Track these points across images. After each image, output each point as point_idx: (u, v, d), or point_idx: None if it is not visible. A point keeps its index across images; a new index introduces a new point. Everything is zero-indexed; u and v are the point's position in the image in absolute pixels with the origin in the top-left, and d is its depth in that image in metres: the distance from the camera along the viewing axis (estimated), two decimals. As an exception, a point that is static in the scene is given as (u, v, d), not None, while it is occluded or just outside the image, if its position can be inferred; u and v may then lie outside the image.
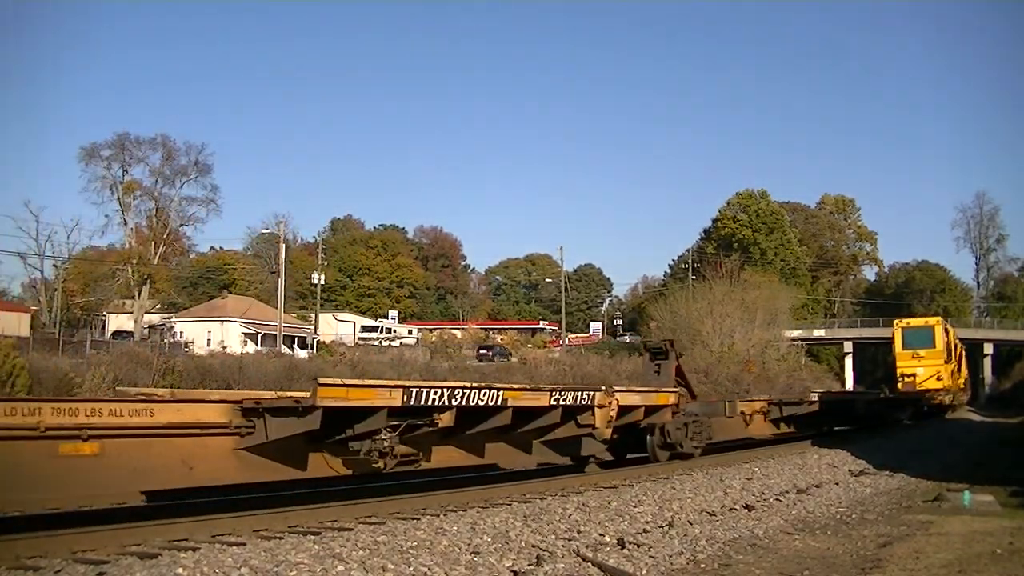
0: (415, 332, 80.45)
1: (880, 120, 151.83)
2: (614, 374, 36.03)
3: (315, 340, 60.43)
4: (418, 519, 8.07)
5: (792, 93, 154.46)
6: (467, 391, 8.91)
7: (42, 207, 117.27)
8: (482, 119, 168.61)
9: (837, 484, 12.62)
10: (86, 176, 63.02)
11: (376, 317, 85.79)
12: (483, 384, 9.46)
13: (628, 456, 13.64)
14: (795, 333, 63.19)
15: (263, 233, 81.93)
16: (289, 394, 8.06)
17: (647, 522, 8.57)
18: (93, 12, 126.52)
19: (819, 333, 77.40)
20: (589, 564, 6.54)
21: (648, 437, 13.32)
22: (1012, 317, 79.95)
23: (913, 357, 35.27)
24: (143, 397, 8.37)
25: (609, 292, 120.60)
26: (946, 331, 36.77)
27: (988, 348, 69.79)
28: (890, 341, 38.07)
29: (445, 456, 9.74)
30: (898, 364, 36.01)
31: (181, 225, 68.11)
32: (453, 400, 8.69)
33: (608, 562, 6.64)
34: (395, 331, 79.29)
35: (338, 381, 7.95)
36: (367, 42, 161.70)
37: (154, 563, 5.90)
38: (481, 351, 61.71)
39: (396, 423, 8.22)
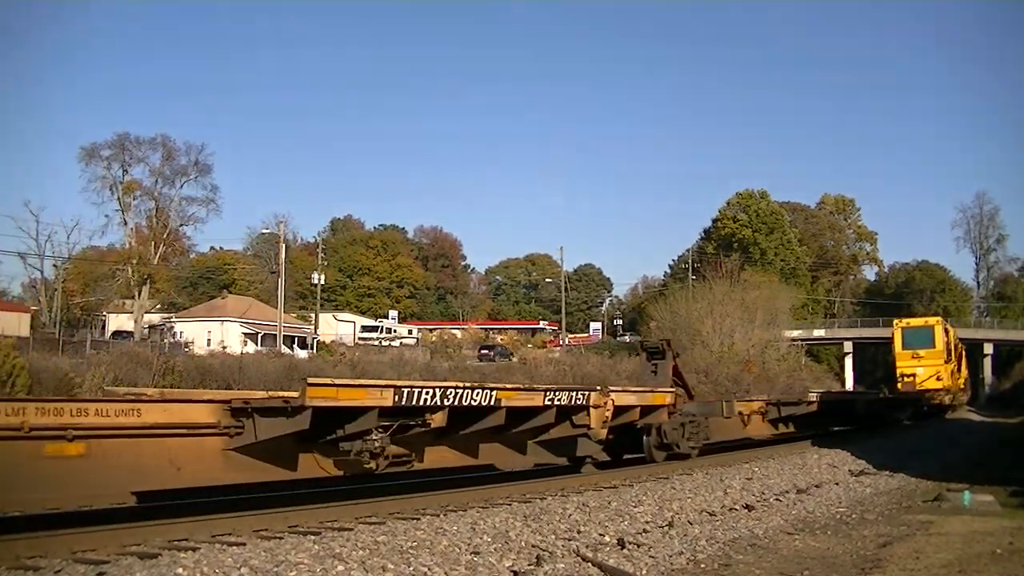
0: (415, 332, 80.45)
1: (880, 120, 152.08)
2: (614, 374, 36.02)
3: (315, 340, 60.43)
4: (418, 519, 8.06)
5: (792, 93, 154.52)
6: (459, 391, 8.83)
7: (42, 207, 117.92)
8: (482, 119, 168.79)
9: (837, 484, 12.62)
10: (86, 176, 63.26)
11: (376, 317, 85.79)
12: (476, 384, 9.37)
13: (625, 457, 13.60)
14: (795, 333, 63.20)
15: (263, 233, 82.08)
16: (279, 394, 7.96)
17: (647, 522, 8.57)
18: (94, 13, 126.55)
19: (819, 333, 77.43)
20: (589, 564, 6.54)
21: (644, 437, 13.26)
22: (1012, 317, 79.98)
23: (913, 357, 35.26)
24: (132, 397, 8.29)
25: (609, 292, 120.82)
26: (946, 331, 36.76)
27: (988, 348, 69.84)
28: (890, 341, 38.06)
29: (438, 457, 9.67)
30: (898, 364, 36.01)
31: (181, 225, 68.31)
32: (445, 400, 8.61)
33: (608, 562, 6.63)
34: (395, 331, 79.28)
35: (327, 381, 7.87)
36: (367, 42, 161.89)
37: (154, 563, 5.90)
38: (483, 351, 61.74)
39: (387, 423, 8.14)
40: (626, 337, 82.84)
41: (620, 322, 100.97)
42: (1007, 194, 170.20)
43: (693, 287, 62.31)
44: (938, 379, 34.35)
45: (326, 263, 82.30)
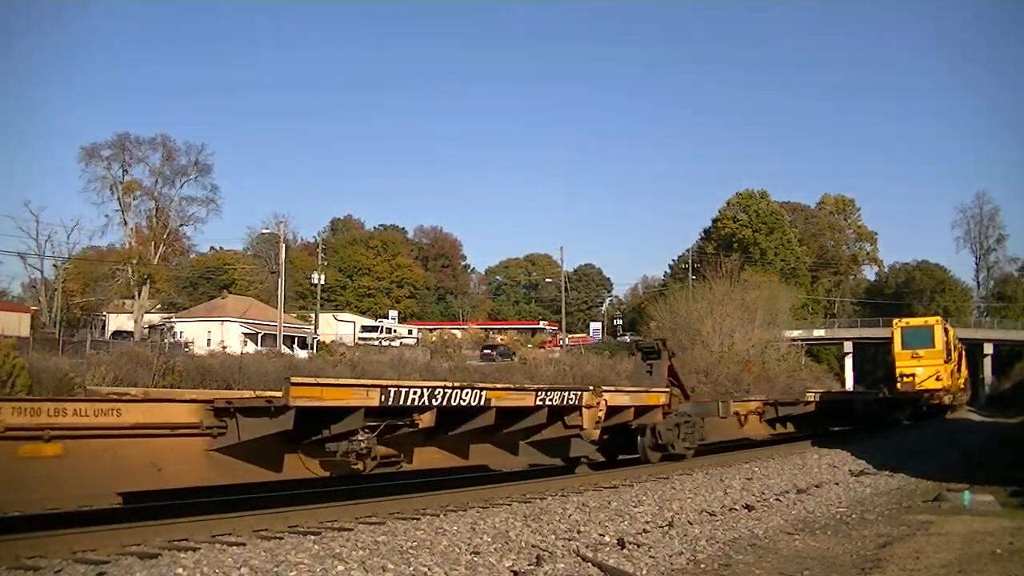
0: (415, 332, 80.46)
1: (880, 120, 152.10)
2: (614, 374, 36.00)
3: (315, 340, 60.44)
4: (418, 519, 8.06)
5: (792, 93, 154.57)
6: (448, 391, 8.73)
7: (42, 207, 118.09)
8: (482, 119, 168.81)
9: (837, 484, 12.62)
10: (86, 176, 63.31)
11: (376, 317, 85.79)
12: (465, 384, 9.26)
13: (620, 457, 13.53)
14: (795, 333, 63.20)
15: (263, 233, 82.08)
16: (265, 394, 7.85)
17: (647, 522, 8.57)
18: (94, 13, 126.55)
19: (819, 333, 77.42)
20: (589, 564, 6.54)
21: (639, 438, 13.18)
22: (1012, 317, 79.99)
23: (912, 357, 35.21)
24: (114, 396, 8.16)
25: (609, 292, 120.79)
26: (945, 331, 36.73)
27: (988, 348, 69.86)
28: (889, 341, 38.04)
29: (428, 457, 9.57)
30: (897, 364, 35.95)
31: (181, 225, 68.36)
32: (433, 400, 8.50)
33: (608, 562, 6.63)
34: (395, 331, 79.29)
35: (311, 380, 7.74)
36: (367, 42, 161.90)
37: (154, 563, 5.90)
38: (485, 351, 61.90)
39: (374, 424, 8.04)
40: (626, 337, 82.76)
41: (620, 322, 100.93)
42: (1007, 194, 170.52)
43: (693, 287, 62.31)
44: (938, 379, 34.32)
45: (326, 263, 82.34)
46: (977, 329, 74.05)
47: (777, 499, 10.83)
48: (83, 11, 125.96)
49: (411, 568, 6.11)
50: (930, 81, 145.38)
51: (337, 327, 72.99)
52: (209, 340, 54.51)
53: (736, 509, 9.85)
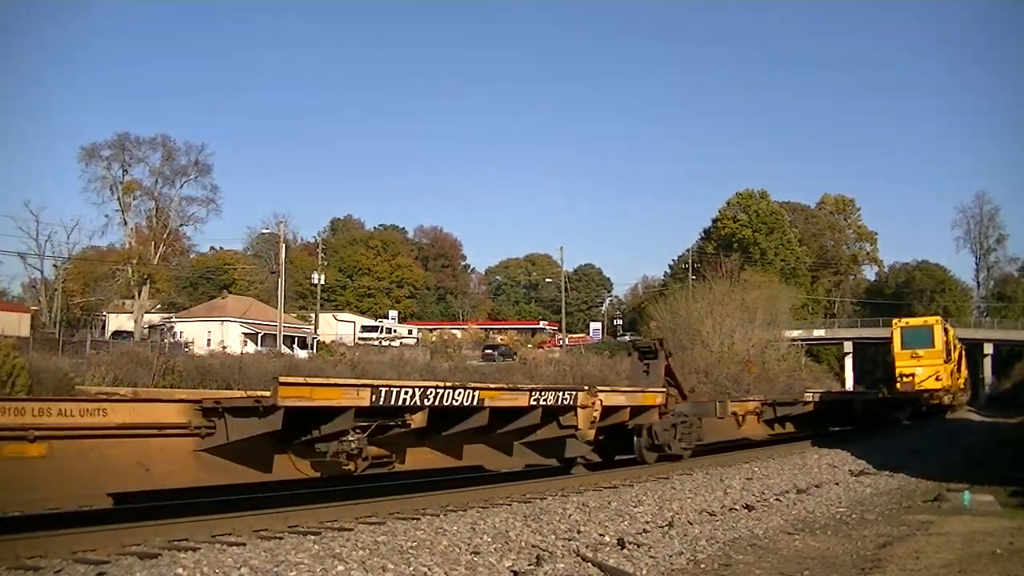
0: (415, 332, 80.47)
1: (880, 120, 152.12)
2: (614, 374, 36.03)
3: (315, 340, 60.45)
4: (418, 519, 8.05)
5: (792, 93, 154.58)
6: (440, 391, 8.65)
7: (42, 207, 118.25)
8: (482, 119, 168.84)
9: (837, 484, 12.61)
10: (86, 176, 63.36)
11: (376, 317, 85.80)
12: (457, 384, 9.17)
13: (616, 458, 13.46)
14: (795, 333, 63.21)
15: (263, 233, 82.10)
16: (255, 394, 7.76)
17: (647, 522, 8.57)
18: (94, 13, 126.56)
19: (819, 333, 77.41)
20: (589, 564, 6.54)
21: (635, 438, 13.09)
22: (1012, 317, 79.99)
23: (912, 357, 35.17)
24: (103, 396, 8.09)
25: (609, 292, 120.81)
26: (945, 331, 36.69)
27: (988, 348, 69.83)
28: (889, 341, 38.03)
29: (421, 458, 9.48)
30: (896, 364, 35.89)
31: (181, 225, 68.39)
32: (425, 400, 8.42)
33: (608, 562, 6.63)
34: (395, 331, 79.30)
35: (300, 380, 7.64)
36: (367, 42, 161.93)
37: (154, 563, 5.90)
38: (487, 351, 62.05)
39: (365, 424, 7.94)
40: (626, 337, 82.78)
41: (620, 322, 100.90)
42: (1007, 194, 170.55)
43: (693, 287, 62.33)
44: (937, 379, 34.28)
45: (326, 263, 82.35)
46: (977, 329, 74.04)
47: (777, 499, 10.83)
48: (83, 11, 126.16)
49: (411, 568, 6.11)
50: (930, 81, 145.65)
51: (337, 327, 73.01)
52: (209, 340, 54.54)
53: (736, 509, 9.85)
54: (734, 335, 48.44)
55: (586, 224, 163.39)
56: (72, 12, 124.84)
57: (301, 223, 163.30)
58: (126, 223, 64.46)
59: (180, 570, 5.71)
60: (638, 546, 7.33)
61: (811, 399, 20.79)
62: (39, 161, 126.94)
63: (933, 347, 35.18)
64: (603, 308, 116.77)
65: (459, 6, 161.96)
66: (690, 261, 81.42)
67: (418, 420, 8.45)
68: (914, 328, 36.98)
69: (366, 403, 7.85)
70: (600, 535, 7.73)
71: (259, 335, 61.48)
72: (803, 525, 9.14)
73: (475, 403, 9.14)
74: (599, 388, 11.80)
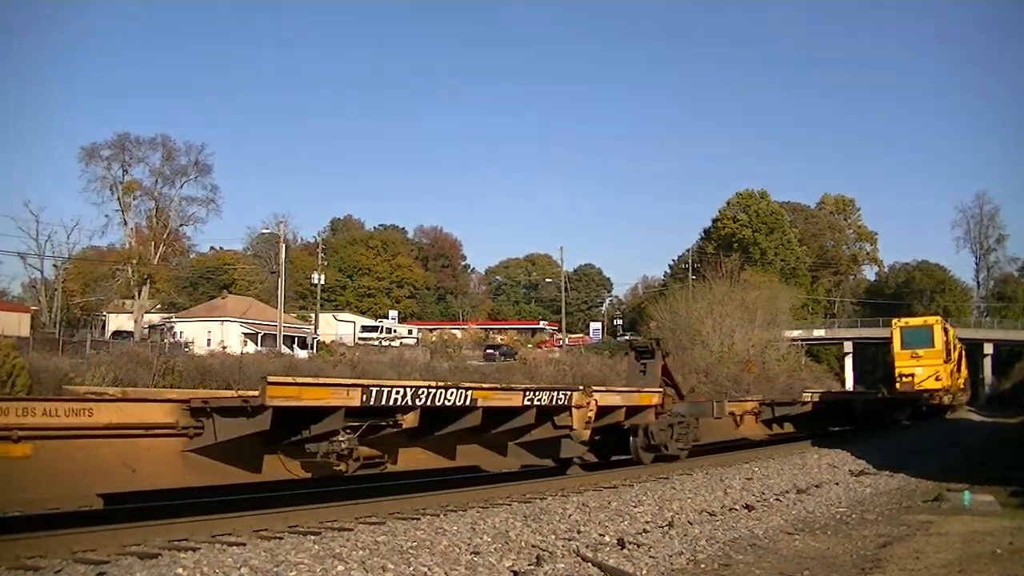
0: (415, 332, 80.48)
1: (880, 120, 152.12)
2: (614, 374, 36.00)
3: (315, 340, 60.46)
4: (418, 519, 8.06)
5: (792, 93, 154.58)
6: (432, 391, 8.55)
7: (42, 207, 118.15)
8: (482, 119, 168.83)
9: (837, 484, 12.62)
10: (86, 176, 63.26)
11: (376, 317, 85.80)
12: (450, 384, 9.07)
13: (613, 458, 13.41)
14: (795, 333, 63.21)
15: (263, 233, 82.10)
16: (243, 393, 7.70)
17: (647, 522, 8.57)
18: (94, 13, 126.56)
19: (819, 333, 77.42)
20: (589, 564, 6.54)
21: (631, 439, 13.02)
22: (1012, 317, 80.00)
23: (912, 357, 35.15)
24: (92, 396, 8.01)
25: (609, 292, 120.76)
26: (945, 330, 36.67)
27: (988, 348, 69.85)
28: (889, 341, 38.02)
29: (413, 458, 9.41)
30: (896, 364, 35.87)
31: (181, 225, 68.34)
32: (417, 400, 8.34)
33: (608, 562, 6.64)
34: (395, 331, 79.31)
35: (289, 380, 7.57)
36: (367, 42, 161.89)
37: (154, 563, 5.90)
38: (488, 350, 62.25)
39: (356, 424, 7.87)
40: (626, 337, 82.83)
41: (620, 322, 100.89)
42: (1007, 194, 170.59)
43: (693, 287, 62.35)
44: (937, 379, 34.26)
45: (326, 263, 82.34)
46: (977, 329, 74.04)
47: (777, 499, 10.83)
48: (83, 11, 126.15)
49: (411, 568, 6.11)
50: (930, 81, 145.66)
51: (337, 327, 73.01)
52: (209, 340, 54.54)
53: (736, 509, 9.85)
54: (734, 335, 48.46)
55: (586, 224, 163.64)
56: (72, 12, 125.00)
57: (301, 223, 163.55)
58: (126, 223, 64.49)
59: (180, 570, 5.71)
60: (638, 546, 7.33)
61: (809, 399, 20.77)
62: (39, 161, 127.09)
63: (933, 347, 35.16)
64: (603, 308, 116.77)
65: (459, 6, 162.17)
66: (690, 261, 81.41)
67: (410, 420, 8.39)
68: (914, 328, 36.97)
69: (356, 403, 7.79)
70: (600, 535, 7.73)
71: (259, 335, 61.48)
72: (803, 525, 9.14)
73: (468, 403, 9.07)
74: (594, 388, 11.73)
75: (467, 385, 9.33)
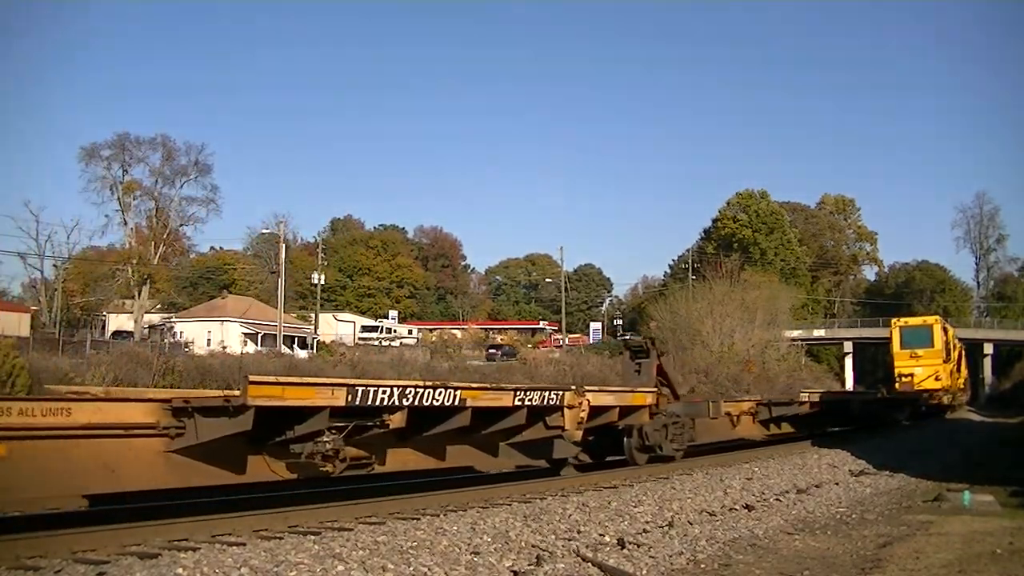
0: (415, 332, 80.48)
1: (880, 120, 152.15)
2: (614, 374, 35.97)
3: (315, 340, 60.46)
4: (418, 519, 8.05)
5: (792, 93, 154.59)
6: (419, 391, 8.46)
7: (42, 207, 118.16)
8: (482, 119, 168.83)
9: (837, 484, 12.61)
10: (86, 176, 63.29)
11: (376, 317, 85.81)
12: (438, 383, 8.93)
13: (607, 459, 13.30)
14: (795, 333, 63.21)
15: (263, 233, 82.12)
16: (228, 393, 7.59)
17: (647, 522, 8.57)
18: (94, 13, 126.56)
19: (819, 333, 77.43)
20: (589, 564, 6.54)
21: (625, 439, 12.88)
22: (1012, 317, 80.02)
23: (911, 357, 35.10)
24: (72, 396, 7.90)
25: (609, 292, 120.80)
26: (944, 330, 36.61)
27: (988, 348, 69.89)
28: (889, 341, 37.99)
29: (402, 459, 9.30)
30: (896, 364, 35.80)
31: (181, 225, 68.36)
32: (404, 400, 8.24)
33: (608, 562, 6.63)
34: (395, 331, 79.31)
35: (272, 379, 7.45)
36: (367, 42, 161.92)
37: (154, 563, 5.90)
38: (490, 350, 62.43)
39: (342, 424, 7.78)
40: (626, 337, 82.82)
41: (620, 322, 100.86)
42: (1007, 194, 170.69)
43: (693, 287, 62.35)
44: (936, 379, 34.21)
45: (326, 263, 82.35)
46: (977, 329, 74.08)
47: (777, 499, 10.83)
48: (83, 11, 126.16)
49: (411, 568, 6.11)
50: (930, 81, 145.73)
51: (337, 327, 73.02)
52: (209, 340, 54.53)
53: (736, 509, 9.85)
54: (734, 335, 48.46)
55: (586, 224, 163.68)
56: (72, 12, 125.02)
57: (301, 223, 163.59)
58: (126, 223, 64.50)
59: (180, 570, 5.71)
60: (638, 546, 7.33)
61: (808, 399, 20.68)
62: (39, 161, 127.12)
63: (932, 347, 35.12)
64: (603, 308, 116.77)
65: (459, 6, 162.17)
66: (690, 261, 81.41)
67: (397, 420, 8.30)
68: (913, 328, 36.92)
69: (341, 403, 7.69)
70: (600, 535, 7.72)
71: (259, 335, 61.50)
72: (803, 525, 9.14)
73: (457, 403, 8.97)
74: (587, 388, 11.60)
75: (456, 385, 9.22)
